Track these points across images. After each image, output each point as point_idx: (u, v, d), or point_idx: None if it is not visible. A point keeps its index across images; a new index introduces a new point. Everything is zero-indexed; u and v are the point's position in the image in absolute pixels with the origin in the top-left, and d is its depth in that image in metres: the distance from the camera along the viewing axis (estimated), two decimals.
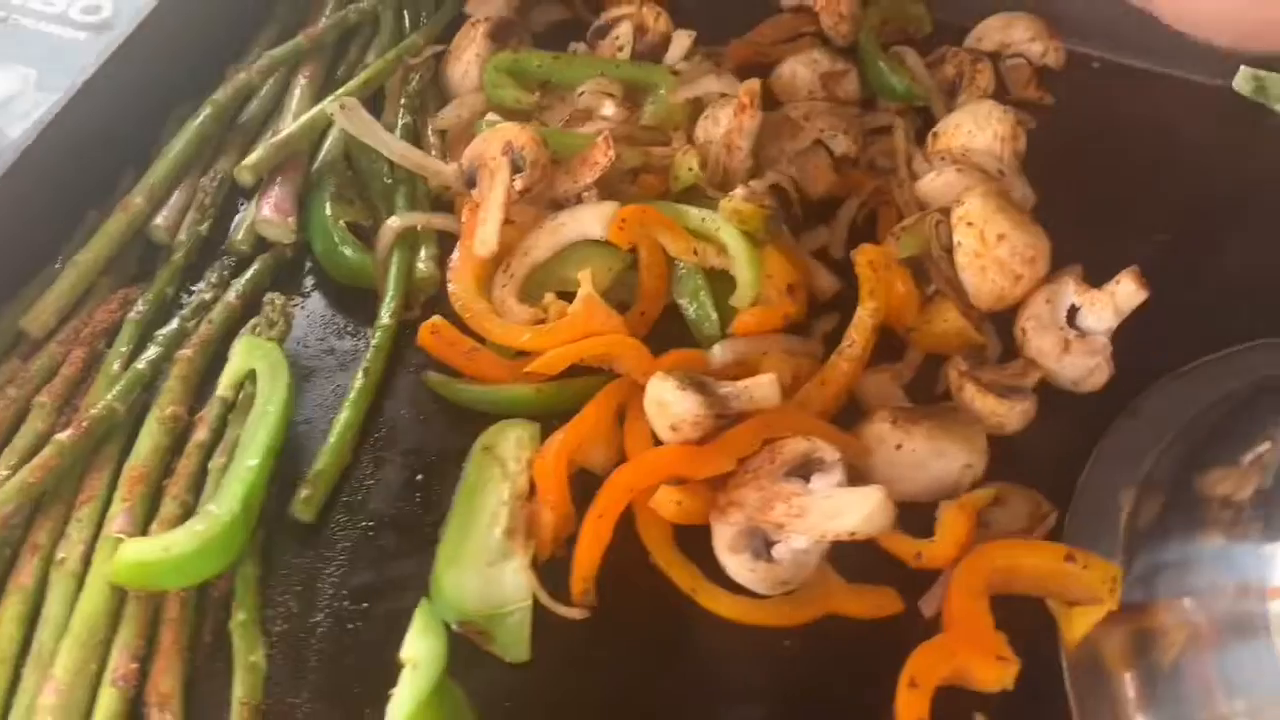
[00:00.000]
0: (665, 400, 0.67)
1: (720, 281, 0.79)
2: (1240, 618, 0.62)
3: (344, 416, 0.73)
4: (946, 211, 0.80)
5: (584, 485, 0.69)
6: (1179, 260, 0.85)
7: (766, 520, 0.65)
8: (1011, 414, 0.74)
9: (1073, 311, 0.77)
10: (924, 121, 0.94)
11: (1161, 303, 0.74)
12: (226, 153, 0.87)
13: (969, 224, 0.78)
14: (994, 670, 0.63)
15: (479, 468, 0.72)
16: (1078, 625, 0.65)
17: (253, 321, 0.77)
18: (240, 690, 0.61)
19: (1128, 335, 0.76)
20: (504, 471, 0.71)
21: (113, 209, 0.80)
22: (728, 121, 0.85)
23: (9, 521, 0.63)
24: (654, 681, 0.65)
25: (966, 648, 0.63)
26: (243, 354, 0.72)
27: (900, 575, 0.68)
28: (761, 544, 0.66)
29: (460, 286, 0.78)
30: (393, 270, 0.80)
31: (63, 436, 0.67)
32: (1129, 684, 0.64)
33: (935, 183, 0.84)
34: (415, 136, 0.90)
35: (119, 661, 0.60)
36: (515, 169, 0.77)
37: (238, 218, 0.85)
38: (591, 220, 0.79)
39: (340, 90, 0.87)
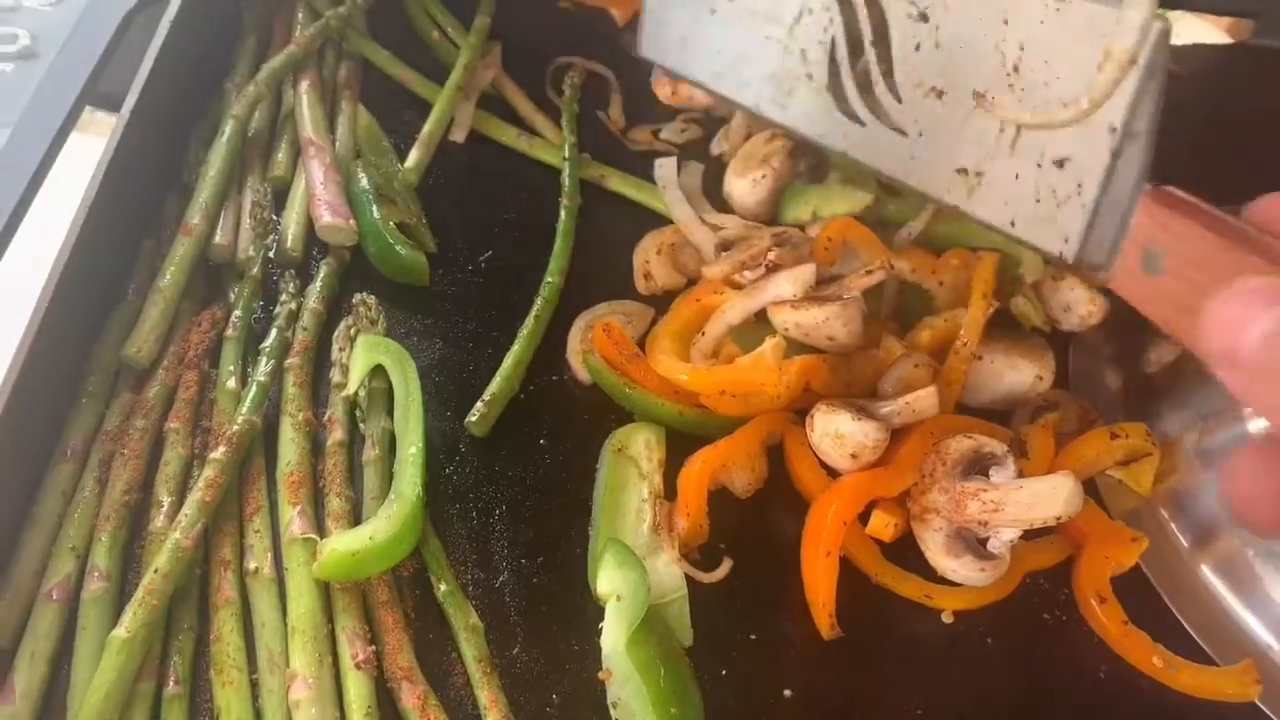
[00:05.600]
0: (843, 432, 0.71)
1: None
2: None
3: (515, 350, 0.79)
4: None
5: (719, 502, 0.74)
6: None
7: (966, 519, 0.69)
8: (1098, 305, 0.80)
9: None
10: None
11: None
12: (249, 165, 0.88)
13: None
14: (1133, 551, 0.72)
15: (615, 467, 0.75)
16: (1144, 477, 0.76)
17: (346, 322, 0.79)
18: (470, 650, 0.65)
19: None
20: (640, 471, 0.75)
21: (165, 235, 0.80)
22: None
23: (199, 540, 0.65)
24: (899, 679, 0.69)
25: (1109, 547, 0.72)
26: (366, 352, 0.75)
27: None
28: (975, 542, 0.70)
29: (657, 332, 0.81)
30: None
31: (218, 454, 0.68)
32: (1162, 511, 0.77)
33: None
34: None
35: (355, 648, 0.63)
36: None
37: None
38: (786, 282, 0.76)
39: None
